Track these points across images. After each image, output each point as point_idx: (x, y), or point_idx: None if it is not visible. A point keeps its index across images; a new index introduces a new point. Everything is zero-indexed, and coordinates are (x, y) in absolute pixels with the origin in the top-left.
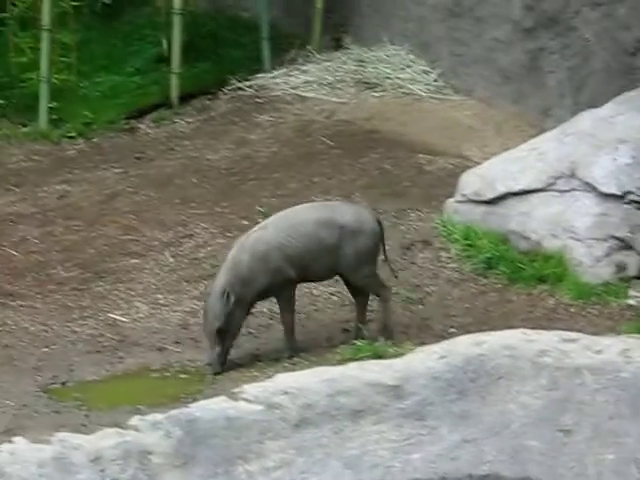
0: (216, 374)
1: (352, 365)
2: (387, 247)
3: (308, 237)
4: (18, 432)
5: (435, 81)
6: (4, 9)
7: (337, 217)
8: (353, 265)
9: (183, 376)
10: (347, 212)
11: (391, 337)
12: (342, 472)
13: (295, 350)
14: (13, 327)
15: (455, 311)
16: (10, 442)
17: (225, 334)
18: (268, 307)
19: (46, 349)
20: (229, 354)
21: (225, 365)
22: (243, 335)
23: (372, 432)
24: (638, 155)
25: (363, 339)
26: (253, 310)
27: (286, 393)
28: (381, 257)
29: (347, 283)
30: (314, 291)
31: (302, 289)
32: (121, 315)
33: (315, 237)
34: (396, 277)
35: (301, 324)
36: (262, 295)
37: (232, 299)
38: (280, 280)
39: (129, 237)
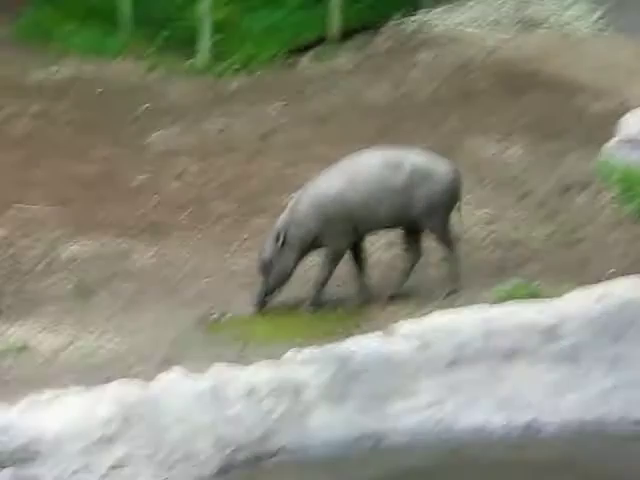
0: (256, 312)
1: (507, 305)
2: (545, 188)
3: (372, 180)
4: (175, 363)
5: (599, 20)
6: None
7: (406, 160)
8: (425, 210)
9: (339, 311)
10: (418, 157)
11: (457, 290)
12: (494, 412)
13: (318, 303)
14: (172, 259)
15: (613, 254)
16: (167, 373)
17: (270, 273)
18: (426, 244)
19: (204, 281)
20: (273, 296)
21: (264, 306)
22: (399, 272)
23: (525, 373)
24: None
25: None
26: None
27: (441, 331)
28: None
29: (409, 234)
30: (472, 229)
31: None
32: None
33: (380, 179)
34: (464, 230)
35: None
36: (315, 243)
37: (281, 239)
38: (334, 231)
39: (288, 172)
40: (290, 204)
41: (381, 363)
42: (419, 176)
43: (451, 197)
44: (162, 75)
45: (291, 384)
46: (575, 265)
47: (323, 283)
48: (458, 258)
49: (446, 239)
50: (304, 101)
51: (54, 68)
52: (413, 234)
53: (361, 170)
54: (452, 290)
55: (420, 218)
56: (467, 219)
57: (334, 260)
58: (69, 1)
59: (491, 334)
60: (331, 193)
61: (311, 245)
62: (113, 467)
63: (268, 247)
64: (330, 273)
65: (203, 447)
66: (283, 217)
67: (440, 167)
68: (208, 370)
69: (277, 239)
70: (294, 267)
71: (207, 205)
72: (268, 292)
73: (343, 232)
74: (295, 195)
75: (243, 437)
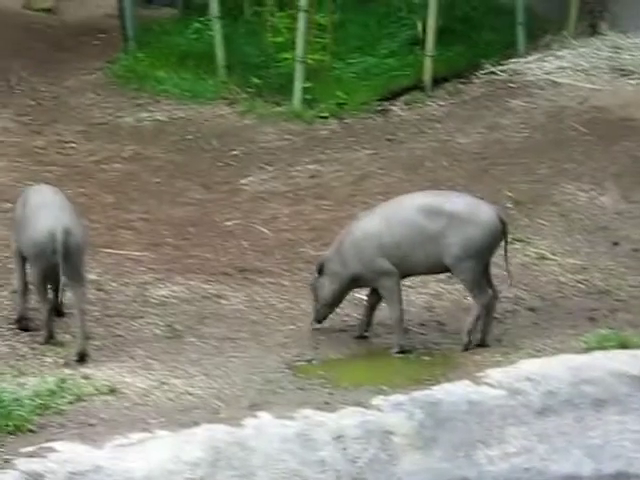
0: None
1: (597, 354)
2: (637, 236)
3: (407, 224)
4: (263, 407)
5: None
6: None
7: (445, 205)
8: (457, 255)
9: (426, 358)
10: (459, 201)
11: (484, 344)
12: (583, 461)
13: (403, 346)
14: (261, 303)
15: None
16: (255, 417)
17: (316, 300)
18: (514, 293)
19: (293, 326)
20: (321, 322)
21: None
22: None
23: (615, 422)
24: None
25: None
26: (500, 295)
27: (529, 379)
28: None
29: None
30: (561, 278)
31: (548, 276)
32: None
33: (415, 224)
34: (510, 284)
35: (547, 310)
36: (358, 281)
37: (322, 273)
38: (374, 270)
39: None
40: (337, 238)
41: (469, 410)
42: (457, 222)
43: (489, 246)
44: (254, 120)
45: (379, 430)
46: None
47: (398, 326)
48: (489, 316)
49: (474, 292)
50: (395, 147)
51: (148, 112)
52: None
53: (399, 212)
54: (467, 344)
55: (452, 265)
56: (557, 267)
57: (391, 296)
58: (163, 47)
59: (580, 383)
60: (370, 231)
61: (353, 281)
62: None
63: (312, 278)
64: (397, 313)
65: None
66: (329, 250)
67: (481, 213)
68: (296, 415)
69: (317, 270)
70: (335, 299)
71: (297, 250)
72: (318, 318)
73: (385, 272)
74: (342, 231)
75: None
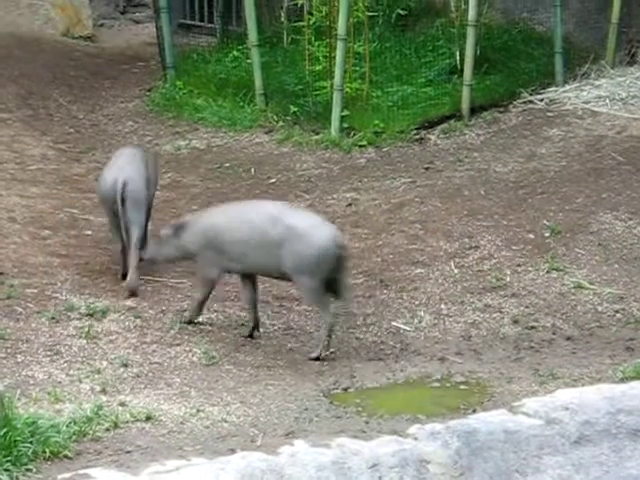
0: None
1: (634, 383)
2: None
3: (250, 226)
4: (299, 435)
5: None
6: (301, 18)
7: (287, 217)
8: (290, 268)
9: (463, 387)
10: (301, 218)
11: (317, 359)
12: None
13: (193, 318)
14: (298, 332)
15: None
16: (291, 445)
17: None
18: (551, 322)
19: (329, 354)
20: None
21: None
22: (524, 349)
23: None
24: None
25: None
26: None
27: (566, 409)
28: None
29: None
30: (598, 307)
31: (585, 305)
32: (404, 324)
33: (257, 228)
34: (345, 314)
35: (585, 340)
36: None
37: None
38: (204, 258)
39: (415, 246)
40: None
41: (505, 440)
42: (293, 236)
43: (320, 266)
44: (292, 148)
45: (414, 459)
46: None
47: (197, 306)
48: (329, 331)
49: (315, 307)
50: (432, 176)
51: (186, 140)
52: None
53: (246, 213)
54: (314, 357)
55: (290, 276)
56: (595, 297)
57: (202, 284)
58: (201, 75)
59: (617, 412)
60: (214, 225)
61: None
62: None
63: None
64: (201, 297)
65: None
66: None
67: (318, 233)
68: (331, 443)
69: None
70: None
71: None
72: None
73: (210, 261)
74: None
75: None
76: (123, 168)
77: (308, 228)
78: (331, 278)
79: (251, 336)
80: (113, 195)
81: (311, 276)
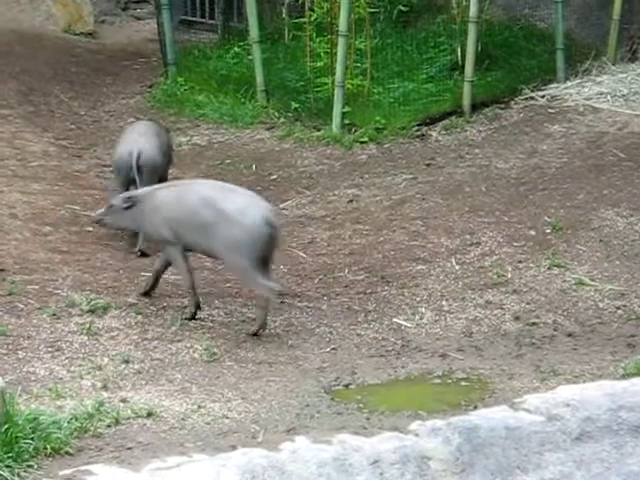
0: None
1: (635, 380)
2: None
3: (188, 205)
4: (300, 431)
5: None
6: (302, 15)
7: (220, 200)
8: (220, 249)
9: (464, 383)
10: (235, 200)
11: (256, 335)
12: None
13: (194, 313)
14: (299, 328)
15: None
16: (292, 441)
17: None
18: (552, 318)
19: (330, 351)
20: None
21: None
22: (525, 345)
23: None
24: None
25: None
26: (532, 321)
27: (567, 405)
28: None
29: None
30: (599, 304)
31: (587, 301)
32: (405, 320)
33: (193, 208)
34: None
35: (586, 336)
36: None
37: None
38: (159, 237)
39: (416, 243)
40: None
41: (506, 436)
42: (224, 218)
43: (251, 246)
44: (293, 145)
45: (415, 455)
46: None
47: (191, 294)
48: (264, 310)
49: (249, 285)
50: (433, 172)
51: (187, 136)
52: None
53: (186, 193)
54: (255, 332)
55: (221, 257)
56: (596, 293)
57: (176, 267)
58: (203, 71)
59: (619, 409)
60: (163, 202)
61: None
62: None
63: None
64: (186, 280)
65: None
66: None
67: (248, 216)
68: (333, 439)
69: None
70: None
71: (335, 274)
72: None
73: (166, 240)
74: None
75: None
76: (137, 140)
77: (237, 213)
78: (264, 256)
79: (255, 334)
80: (128, 165)
81: (242, 258)
